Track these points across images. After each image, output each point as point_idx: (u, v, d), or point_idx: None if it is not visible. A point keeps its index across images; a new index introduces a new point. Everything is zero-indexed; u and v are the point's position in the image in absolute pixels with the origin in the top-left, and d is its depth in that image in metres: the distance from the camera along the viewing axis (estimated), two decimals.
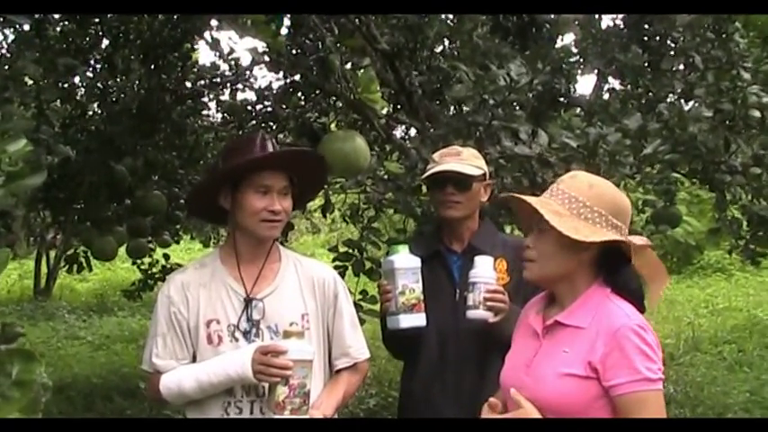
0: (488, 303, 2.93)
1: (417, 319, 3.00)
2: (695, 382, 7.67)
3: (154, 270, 8.05)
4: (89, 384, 8.39)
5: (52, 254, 14.61)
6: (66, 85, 5.81)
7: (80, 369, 9.33)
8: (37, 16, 4.42)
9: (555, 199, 2.37)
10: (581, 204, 2.34)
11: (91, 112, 6.38)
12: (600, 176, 2.55)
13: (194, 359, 2.77)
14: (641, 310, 2.39)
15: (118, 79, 6.05)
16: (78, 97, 6.09)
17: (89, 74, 6.00)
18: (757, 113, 5.33)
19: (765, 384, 7.57)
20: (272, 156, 2.78)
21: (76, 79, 5.92)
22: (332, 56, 3.54)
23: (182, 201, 6.93)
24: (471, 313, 2.96)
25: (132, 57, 5.79)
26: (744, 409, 6.64)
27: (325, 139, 3.65)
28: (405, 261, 3.02)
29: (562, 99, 5.47)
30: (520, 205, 2.51)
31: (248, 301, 2.76)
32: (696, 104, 5.37)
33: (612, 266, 2.40)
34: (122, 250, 6.98)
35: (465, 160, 3.18)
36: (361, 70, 3.35)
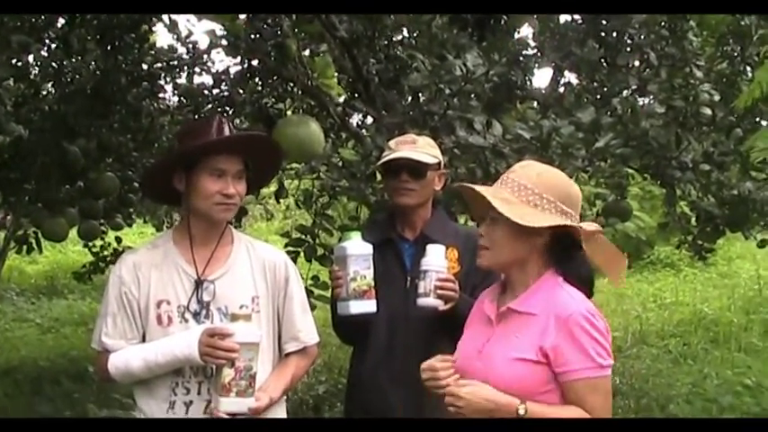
0: (439, 291, 2.96)
1: (368, 306, 3.02)
2: (641, 374, 7.79)
3: (105, 253, 8.00)
4: (37, 368, 8.31)
5: (1, 235, 14.38)
6: (19, 64, 5.74)
7: (28, 352, 9.23)
8: None
9: (505, 187, 2.41)
10: (530, 192, 2.39)
11: (45, 92, 6.30)
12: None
13: (144, 339, 2.77)
14: (589, 296, 2.44)
15: (73, 59, 5.98)
16: (32, 76, 6.01)
17: (44, 53, 5.93)
18: (708, 111, 5.43)
19: (707, 377, 7.72)
20: (228, 139, 2.78)
21: (30, 58, 5.84)
22: (289, 40, 3.53)
23: (135, 183, 6.89)
24: (422, 301, 2.98)
25: (89, 37, 5.71)
26: (686, 400, 6.76)
27: (280, 124, 3.65)
28: (357, 247, 3.03)
29: (518, 91, 5.50)
30: (472, 195, 2.55)
31: (199, 283, 2.76)
32: (649, 100, 5.46)
33: (564, 254, 2.45)
34: (74, 233, 6.92)
35: (420, 148, 3.20)
36: (319, 56, 3.36)
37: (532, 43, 6.03)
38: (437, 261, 2.99)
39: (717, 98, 5.39)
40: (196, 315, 2.74)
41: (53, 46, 5.89)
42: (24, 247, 7.47)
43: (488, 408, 2.31)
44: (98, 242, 7.88)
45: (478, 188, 2.42)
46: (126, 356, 2.73)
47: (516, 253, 2.43)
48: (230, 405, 2.61)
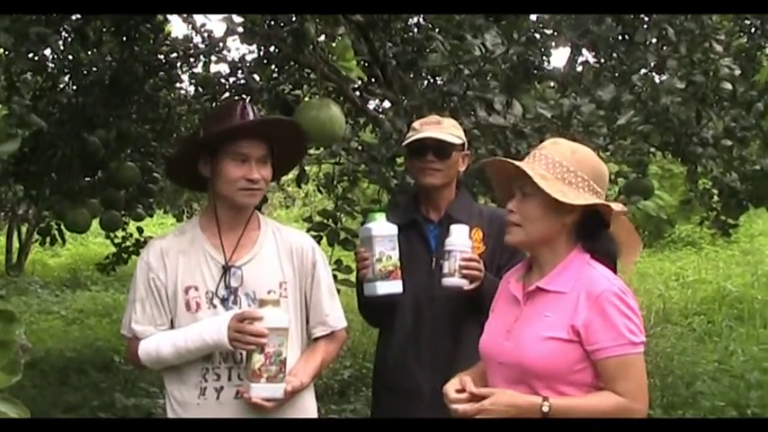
0: (464, 271, 2.96)
1: (394, 286, 3.02)
2: (665, 352, 7.76)
3: (127, 243, 8.01)
4: (63, 358, 8.37)
5: (24, 229, 14.48)
6: (36, 57, 5.75)
7: (53, 343, 9.29)
8: None
9: (539, 164, 2.39)
10: (564, 169, 2.37)
11: (62, 85, 6.32)
12: None
13: (173, 325, 2.78)
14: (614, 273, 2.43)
15: (90, 51, 5.99)
16: (49, 69, 6.03)
17: (60, 45, 5.94)
18: (729, 86, 5.37)
19: (733, 354, 7.69)
20: (251, 124, 2.78)
21: (47, 51, 5.86)
22: (307, 24, 3.52)
23: (155, 174, 6.91)
24: (446, 281, 2.98)
25: (104, 29, 5.72)
26: (712, 378, 6.74)
27: (300, 108, 3.64)
28: (382, 228, 3.03)
29: (536, 71, 5.48)
30: (499, 172, 2.54)
31: (227, 269, 2.77)
32: (669, 77, 5.41)
33: (591, 232, 2.44)
34: (95, 225, 6.95)
35: (445, 129, 3.20)
36: (337, 38, 3.34)
37: (550, 22, 5.99)
38: (461, 241, 2.99)
39: (737, 72, 5.33)
40: (224, 301, 2.75)
41: (69, 38, 5.91)
42: (47, 238, 7.50)
43: (513, 414, 2.30)
44: (120, 233, 7.90)
45: (518, 162, 2.39)
46: (156, 343, 2.74)
47: (548, 230, 2.41)
48: (262, 390, 2.61)
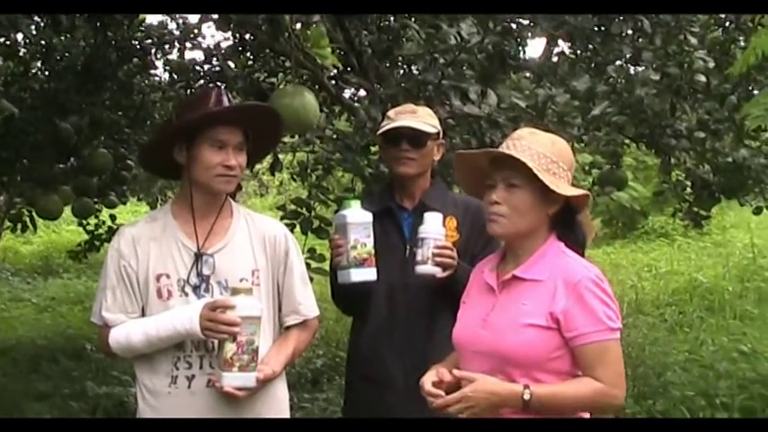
0: (437, 259, 2.96)
1: (368, 274, 3.02)
2: (637, 343, 7.81)
3: (100, 231, 7.96)
4: (34, 346, 8.32)
5: None
6: (8, 42, 5.69)
7: (25, 331, 9.23)
8: None
9: (523, 155, 2.39)
10: (549, 160, 2.39)
11: (34, 70, 6.26)
12: None
13: (144, 313, 2.76)
14: None
15: (62, 37, 5.93)
16: (21, 54, 5.97)
17: (32, 30, 5.88)
18: (703, 78, 5.39)
19: (703, 344, 7.76)
20: (228, 110, 2.78)
21: (19, 36, 5.80)
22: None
23: (129, 161, 6.86)
24: (420, 268, 2.98)
25: (77, 14, 5.66)
26: (683, 368, 6.79)
27: (274, 95, 3.62)
28: (357, 216, 3.03)
29: (512, 61, 5.47)
30: (468, 163, 2.54)
31: (199, 256, 2.75)
32: (644, 68, 5.43)
33: (566, 220, 2.46)
34: (68, 212, 6.90)
35: (420, 118, 3.20)
36: (312, 26, 3.32)
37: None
38: (435, 228, 2.99)
39: (711, 65, 5.37)
40: (196, 289, 2.73)
41: (42, 23, 5.85)
42: (19, 225, 7.43)
43: (494, 402, 2.30)
44: (92, 220, 7.85)
45: (516, 154, 2.38)
46: (127, 331, 2.72)
47: (535, 221, 2.43)
48: (233, 380, 2.60)
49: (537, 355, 2.34)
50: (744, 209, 6.95)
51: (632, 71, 5.53)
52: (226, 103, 2.77)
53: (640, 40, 5.41)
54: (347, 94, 5.73)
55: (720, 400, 5.68)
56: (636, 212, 15.70)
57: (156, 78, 6.72)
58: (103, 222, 7.95)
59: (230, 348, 2.58)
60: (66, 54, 6.01)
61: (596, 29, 5.45)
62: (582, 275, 2.35)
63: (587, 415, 2.45)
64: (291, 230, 4.39)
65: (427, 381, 2.44)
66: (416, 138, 3.16)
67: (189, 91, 6.12)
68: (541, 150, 2.40)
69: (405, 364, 3.08)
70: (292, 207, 4.52)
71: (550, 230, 2.46)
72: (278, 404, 2.87)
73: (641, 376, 6.55)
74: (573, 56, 5.83)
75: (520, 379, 2.33)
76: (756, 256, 11.89)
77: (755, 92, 6.15)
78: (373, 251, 3.02)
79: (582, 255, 2.46)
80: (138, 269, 2.75)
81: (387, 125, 3.21)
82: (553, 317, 2.32)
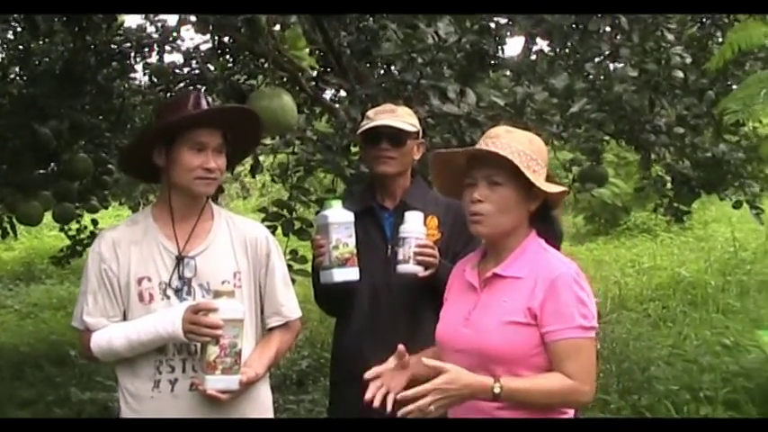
0: (418, 258, 2.97)
1: (350, 274, 3.03)
2: (621, 338, 7.84)
3: (82, 236, 7.93)
4: (17, 353, 8.27)
5: None
6: None
7: (7, 338, 9.19)
8: None
9: (506, 152, 2.40)
10: (529, 157, 2.41)
11: (12, 75, 6.24)
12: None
13: (125, 317, 2.75)
14: None
15: (40, 41, 5.91)
16: None
17: (10, 35, 5.86)
18: (680, 74, 5.43)
19: (687, 338, 7.79)
20: (208, 112, 2.78)
21: None
22: (258, 14, 3.50)
23: (109, 165, 6.84)
24: (402, 267, 2.99)
25: (55, 18, 5.64)
26: (666, 362, 6.82)
27: (252, 97, 3.63)
28: (338, 216, 3.04)
29: (490, 60, 5.48)
30: (445, 163, 2.55)
31: (180, 259, 2.75)
32: (622, 65, 5.46)
33: (543, 216, 2.48)
34: (50, 218, 6.87)
35: (400, 117, 3.21)
36: (289, 27, 3.33)
37: None
38: (416, 227, 3.00)
39: (689, 61, 5.40)
40: (178, 291, 2.73)
41: (19, 28, 5.82)
42: None
43: (464, 395, 2.29)
44: (74, 225, 7.82)
45: (503, 152, 2.38)
46: (108, 335, 2.71)
47: (517, 218, 2.45)
48: (217, 382, 2.60)
49: (518, 351, 2.36)
50: (724, 203, 6.97)
51: (611, 68, 5.55)
52: (204, 105, 2.77)
53: (618, 37, 5.44)
54: (327, 95, 5.74)
55: (704, 394, 5.70)
56: (618, 209, 15.74)
57: (136, 82, 6.72)
58: (85, 227, 7.92)
59: (213, 351, 2.58)
60: (45, 59, 5.99)
61: (574, 26, 5.48)
62: (560, 272, 2.36)
63: (571, 413, 2.46)
64: (273, 232, 4.40)
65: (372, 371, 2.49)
66: (396, 137, 3.17)
67: (168, 94, 6.11)
68: (521, 148, 2.41)
69: None
70: (273, 209, 4.52)
71: (529, 227, 2.48)
72: (261, 406, 2.87)
73: (625, 371, 6.58)
74: (552, 54, 5.86)
75: (502, 375, 2.34)
76: (738, 249, 11.94)
77: (734, 87, 6.19)
78: (355, 251, 3.03)
79: (558, 249, 2.48)
80: (120, 273, 2.74)
81: (366, 125, 3.22)
82: (531, 312, 2.34)
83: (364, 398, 2.47)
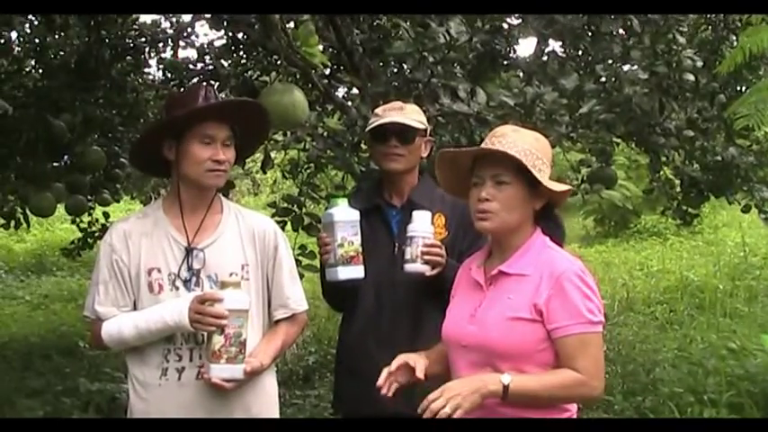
0: (425, 257, 2.98)
1: (355, 272, 3.05)
2: (627, 340, 7.85)
3: (93, 229, 7.97)
4: (27, 344, 8.33)
5: None
6: (2, 40, 5.72)
7: (18, 329, 9.24)
8: None
9: (514, 151, 2.43)
10: (535, 156, 2.44)
11: (28, 68, 6.28)
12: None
13: (135, 307, 2.80)
14: None
15: (56, 35, 5.95)
16: (15, 53, 5.99)
17: (26, 28, 5.91)
18: (691, 77, 5.44)
19: (693, 341, 7.78)
20: (216, 105, 2.82)
21: (13, 34, 5.82)
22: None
23: (122, 159, 6.89)
24: (409, 267, 3.00)
25: (71, 14, 5.69)
26: (672, 365, 6.82)
27: (264, 93, 3.66)
28: (344, 214, 3.06)
29: (502, 60, 5.50)
30: (452, 161, 2.58)
31: (189, 251, 2.80)
32: (633, 67, 5.47)
33: (548, 215, 2.51)
34: (62, 210, 6.91)
35: (408, 114, 3.22)
36: (301, 25, 3.36)
37: None
38: (423, 227, 3.01)
39: (700, 64, 5.41)
40: (186, 282, 2.78)
41: (35, 22, 5.87)
42: (12, 222, 7.44)
43: (477, 386, 2.29)
44: (86, 218, 7.86)
45: (511, 152, 2.41)
46: (118, 324, 2.76)
47: (523, 216, 2.48)
48: (221, 371, 2.65)
49: (524, 347, 2.38)
50: (735, 208, 6.97)
51: (621, 70, 5.56)
52: (213, 99, 2.82)
53: (630, 39, 5.46)
54: (340, 92, 5.77)
55: (708, 397, 5.70)
56: (628, 211, 15.78)
57: (150, 77, 6.77)
58: (97, 220, 7.96)
59: (218, 340, 2.62)
60: (60, 52, 6.04)
61: (586, 28, 5.49)
62: (565, 268, 2.39)
63: (574, 411, 2.49)
64: (282, 227, 4.43)
65: (386, 369, 2.54)
66: (404, 133, 3.19)
67: (182, 89, 6.15)
68: (527, 147, 2.44)
69: (391, 358, 3.11)
70: (283, 204, 4.55)
71: (534, 225, 2.51)
72: (267, 397, 2.92)
73: (631, 373, 6.59)
74: (563, 55, 5.87)
75: (508, 371, 2.36)
76: (747, 254, 11.92)
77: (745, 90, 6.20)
78: (361, 249, 3.06)
79: (561, 247, 2.51)
80: (130, 263, 2.79)
81: (374, 122, 3.24)
82: (537, 308, 2.37)
83: (376, 383, 2.51)
